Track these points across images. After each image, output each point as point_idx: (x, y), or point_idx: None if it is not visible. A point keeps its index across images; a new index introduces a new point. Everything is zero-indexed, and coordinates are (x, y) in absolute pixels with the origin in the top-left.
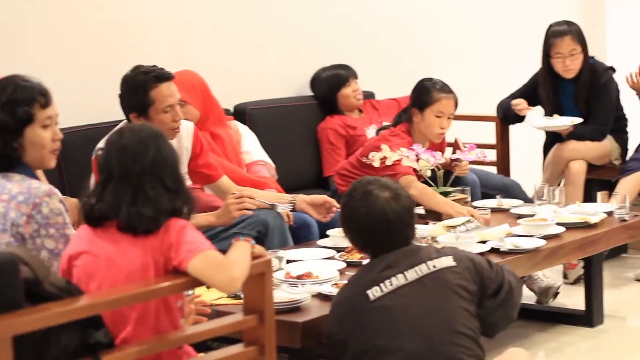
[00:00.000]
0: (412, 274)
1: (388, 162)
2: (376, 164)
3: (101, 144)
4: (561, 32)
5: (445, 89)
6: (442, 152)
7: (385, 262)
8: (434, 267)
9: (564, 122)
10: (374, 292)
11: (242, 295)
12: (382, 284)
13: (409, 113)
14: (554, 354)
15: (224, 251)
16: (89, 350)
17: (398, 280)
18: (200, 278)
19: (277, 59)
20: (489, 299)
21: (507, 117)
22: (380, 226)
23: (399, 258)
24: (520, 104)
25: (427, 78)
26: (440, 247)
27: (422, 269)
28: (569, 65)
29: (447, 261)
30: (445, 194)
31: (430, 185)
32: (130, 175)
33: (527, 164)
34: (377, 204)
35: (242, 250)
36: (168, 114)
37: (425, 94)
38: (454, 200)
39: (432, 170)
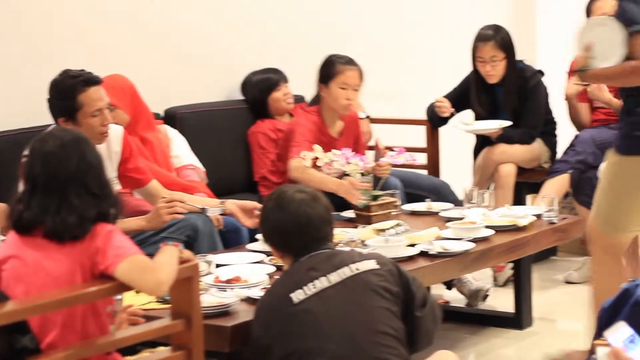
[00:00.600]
0: (335, 277)
1: (319, 163)
2: (307, 163)
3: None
4: (485, 36)
5: (350, 62)
6: (361, 150)
7: (307, 265)
8: (357, 269)
9: (493, 126)
10: (297, 296)
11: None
12: (305, 287)
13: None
14: (484, 356)
15: (153, 255)
16: (15, 355)
17: (321, 283)
18: (127, 282)
19: (207, 63)
20: (420, 308)
21: (431, 119)
22: (296, 228)
23: (321, 261)
24: (443, 103)
25: (333, 53)
26: (365, 252)
27: (345, 272)
28: (489, 71)
29: (370, 264)
30: (374, 198)
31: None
32: (55, 183)
33: (457, 167)
34: (291, 206)
35: (169, 254)
36: (96, 118)
37: (330, 67)
38: (383, 203)
39: (362, 174)
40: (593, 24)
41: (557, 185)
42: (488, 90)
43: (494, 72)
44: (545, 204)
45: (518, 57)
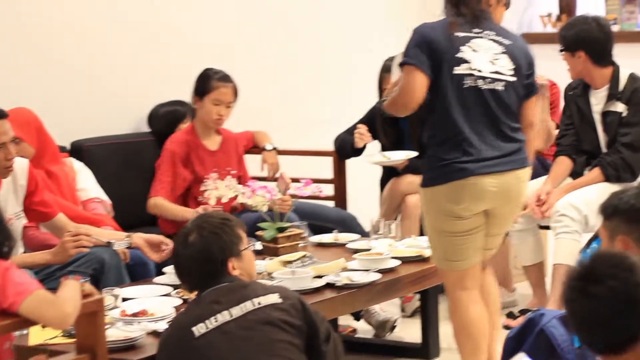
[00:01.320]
0: (237, 311)
1: (224, 200)
2: (212, 201)
3: None
4: (390, 68)
5: (225, 78)
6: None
7: (210, 298)
8: (259, 303)
9: (399, 157)
10: (199, 329)
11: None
12: (207, 321)
13: (191, 104)
14: None
15: (56, 290)
16: None
17: (223, 317)
18: (33, 318)
19: (114, 95)
20: (324, 342)
21: (343, 151)
22: (199, 262)
23: (225, 294)
24: (362, 129)
25: (210, 68)
26: (269, 285)
27: (247, 306)
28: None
29: (273, 298)
30: (281, 229)
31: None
32: None
33: (364, 199)
34: (195, 242)
35: (71, 288)
36: (1, 152)
37: (205, 82)
38: (290, 235)
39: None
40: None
41: None
42: (393, 121)
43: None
44: None
45: None
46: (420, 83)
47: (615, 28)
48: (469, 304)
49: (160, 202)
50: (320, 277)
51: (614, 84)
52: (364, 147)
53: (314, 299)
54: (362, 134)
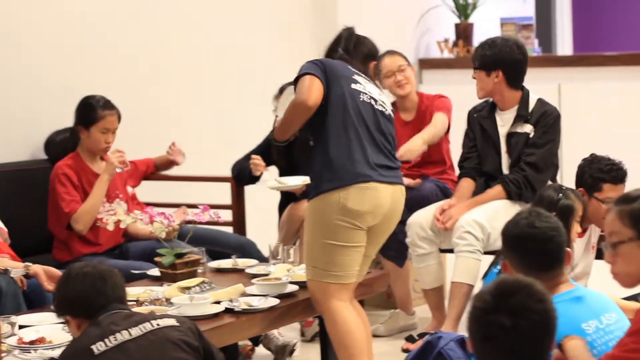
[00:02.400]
0: (136, 331)
1: (122, 225)
2: (110, 227)
3: None
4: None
5: (109, 105)
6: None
7: (107, 321)
8: (158, 325)
9: (296, 182)
10: (98, 347)
11: None
12: (106, 339)
13: (76, 132)
14: None
15: None
16: None
17: (122, 336)
18: None
19: (10, 122)
20: None
21: (241, 178)
22: (92, 290)
23: (121, 319)
24: (257, 159)
25: (90, 96)
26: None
27: (146, 327)
28: None
29: (170, 321)
30: (180, 255)
31: None
32: None
33: (263, 224)
34: (85, 274)
35: None
36: None
37: (90, 112)
38: (188, 261)
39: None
40: (288, 94)
41: None
42: (289, 146)
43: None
44: None
45: None
46: (317, 86)
47: None
48: (348, 311)
49: (83, 211)
50: (218, 302)
51: (524, 105)
52: (261, 174)
53: (212, 325)
54: (257, 165)
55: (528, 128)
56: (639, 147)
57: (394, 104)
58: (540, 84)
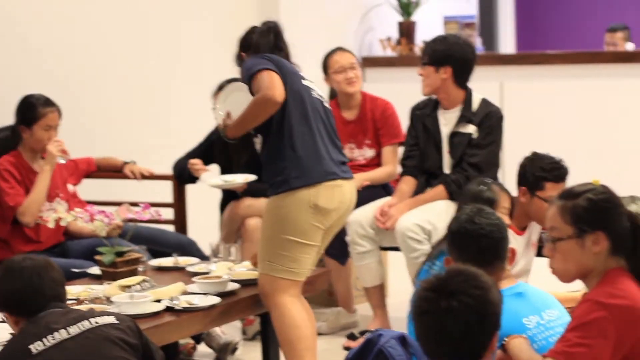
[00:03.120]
0: (74, 329)
1: (62, 223)
2: (51, 225)
3: None
4: (221, 89)
5: (49, 102)
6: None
7: (45, 320)
8: (97, 322)
9: (238, 180)
10: (36, 347)
11: None
12: (44, 339)
13: (18, 132)
14: None
15: None
16: None
17: (60, 335)
18: None
19: None
20: None
21: (182, 176)
22: (29, 289)
23: (59, 316)
24: (196, 164)
25: (30, 95)
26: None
27: (85, 325)
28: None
29: (110, 319)
30: (120, 254)
31: None
32: None
33: (204, 222)
34: (23, 271)
35: None
36: None
37: (31, 110)
38: (129, 259)
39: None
40: (230, 91)
41: None
42: (231, 144)
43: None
44: None
45: None
46: (279, 80)
47: None
48: (297, 307)
49: (29, 202)
50: (159, 301)
51: (467, 105)
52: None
53: (153, 323)
54: (197, 170)
55: (471, 129)
56: (580, 145)
57: (335, 102)
58: (482, 82)
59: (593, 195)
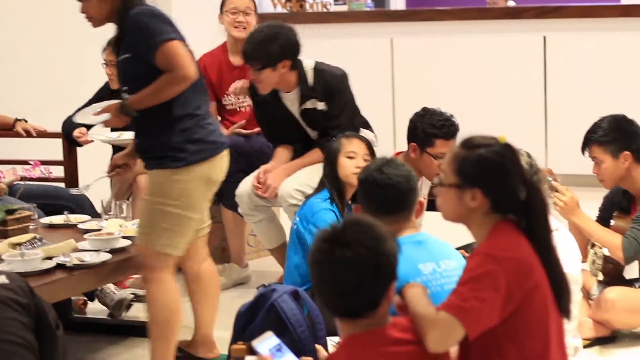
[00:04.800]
0: None
1: None
2: None
3: None
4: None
5: None
6: None
7: None
8: None
9: (128, 136)
10: None
11: None
12: None
13: None
14: None
15: None
16: None
17: None
18: None
19: None
20: (56, 328)
21: (69, 137)
22: None
23: None
24: (80, 136)
25: None
26: None
27: None
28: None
29: (0, 279)
30: (10, 212)
31: None
32: None
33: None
34: None
35: None
36: None
37: None
38: (20, 217)
39: None
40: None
41: None
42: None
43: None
44: None
45: None
46: (188, 53)
47: (343, 8)
48: (175, 285)
49: None
50: (50, 258)
51: (303, 83)
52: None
53: (44, 280)
54: (81, 141)
55: (318, 104)
56: (469, 100)
57: (224, 45)
58: (372, 38)
59: (486, 152)
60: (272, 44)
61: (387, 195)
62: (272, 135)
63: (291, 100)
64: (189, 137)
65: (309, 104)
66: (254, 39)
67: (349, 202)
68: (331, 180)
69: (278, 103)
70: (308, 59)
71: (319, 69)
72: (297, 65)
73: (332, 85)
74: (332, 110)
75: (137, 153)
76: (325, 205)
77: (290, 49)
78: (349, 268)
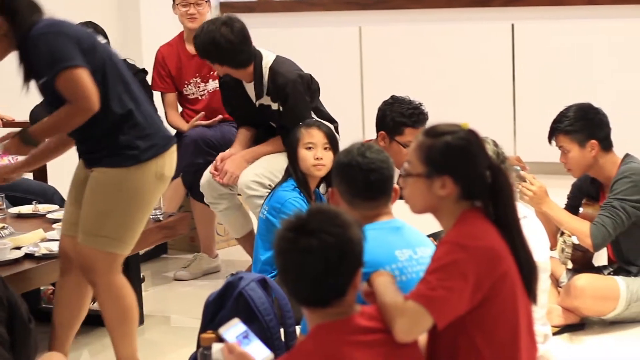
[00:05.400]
0: None
1: None
2: None
3: None
4: None
5: None
6: None
7: None
8: None
9: None
10: None
11: None
12: None
13: None
14: (96, 355)
15: None
16: None
17: None
18: None
19: None
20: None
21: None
22: None
23: None
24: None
25: None
26: None
27: None
28: None
29: None
30: None
31: None
32: None
33: (64, 170)
34: None
35: None
36: None
37: None
38: None
39: None
40: None
41: (173, 188)
42: None
43: None
44: None
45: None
46: (91, 81)
47: None
48: (127, 284)
49: None
50: (18, 248)
51: (258, 80)
52: None
53: (13, 270)
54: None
55: (273, 104)
56: (438, 89)
57: (180, 35)
58: (340, 27)
59: (451, 138)
60: (210, 46)
61: (370, 179)
62: (236, 116)
63: (250, 91)
64: (138, 134)
65: (263, 101)
66: (197, 39)
67: (319, 190)
68: (294, 170)
69: (241, 89)
70: (270, 53)
71: (274, 69)
72: (246, 64)
73: (283, 89)
74: (285, 111)
75: (83, 155)
76: (293, 194)
77: (225, 52)
78: (314, 256)
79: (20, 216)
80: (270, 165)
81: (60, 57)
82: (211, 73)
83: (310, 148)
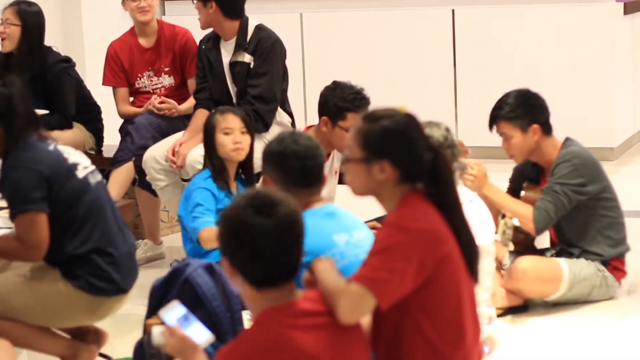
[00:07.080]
0: None
1: None
2: None
3: None
4: None
5: None
6: None
7: None
8: None
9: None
10: None
11: None
12: None
13: None
14: None
15: None
16: None
17: None
18: None
19: None
20: None
21: None
22: None
23: None
24: None
25: None
26: None
27: None
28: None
29: None
30: None
31: None
32: None
33: None
34: None
35: None
36: None
37: None
38: None
39: None
40: None
41: (124, 173)
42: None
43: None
44: None
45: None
46: (46, 227)
47: None
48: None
49: None
50: None
51: (242, 34)
52: None
53: None
54: None
55: (248, 58)
56: (380, 74)
57: (132, 30)
58: (281, 13)
59: (388, 123)
60: None
61: (307, 166)
62: (199, 89)
63: (227, 50)
64: (92, 271)
65: (239, 57)
66: None
67: (243, 176)
68: (211, 158)
69: (216, 51)
70: (254, 20)
71: (260, 27)
72: (236, 16)
73: (264, 43)
74: (257, 68)
75: None
76: (203, 184)
77: None
78: (271, 236)
79: None
80: None
81: (21, 197)
82: (165, 69)
83: (227, 133)
